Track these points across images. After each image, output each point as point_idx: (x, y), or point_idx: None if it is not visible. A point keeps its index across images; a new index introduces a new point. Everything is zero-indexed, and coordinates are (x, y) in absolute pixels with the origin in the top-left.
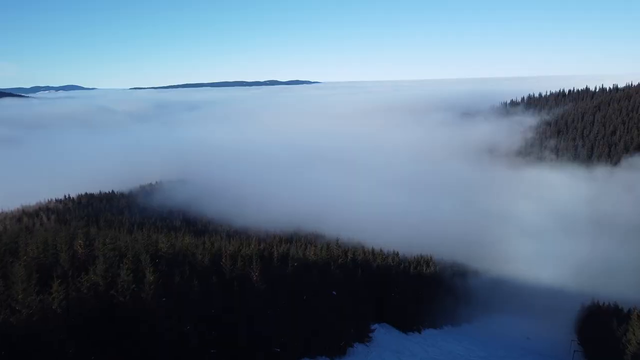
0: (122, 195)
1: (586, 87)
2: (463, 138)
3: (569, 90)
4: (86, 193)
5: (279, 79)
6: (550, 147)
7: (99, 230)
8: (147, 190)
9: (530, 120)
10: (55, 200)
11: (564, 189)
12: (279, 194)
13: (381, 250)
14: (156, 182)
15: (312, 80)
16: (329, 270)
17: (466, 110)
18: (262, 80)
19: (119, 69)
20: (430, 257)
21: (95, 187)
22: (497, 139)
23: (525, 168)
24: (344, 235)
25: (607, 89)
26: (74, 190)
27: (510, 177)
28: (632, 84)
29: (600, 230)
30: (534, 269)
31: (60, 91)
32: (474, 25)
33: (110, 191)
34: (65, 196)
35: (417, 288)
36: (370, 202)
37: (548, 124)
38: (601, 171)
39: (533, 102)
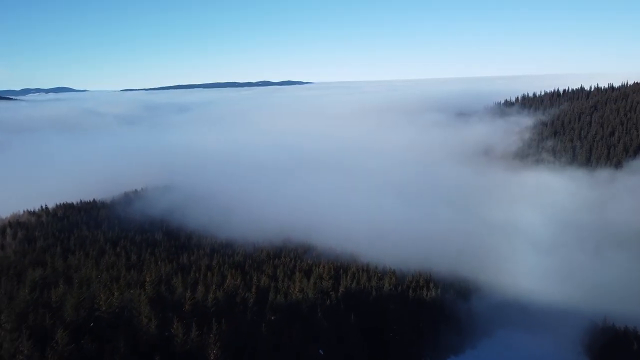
0: (102, 204)
1: (581, 87)
2: (459, 139)
3: (564, 90)
4: (64, 203)
5: (271, 80)
6: (547, 149)
7: (60, 256)
8: (131, 197)
9: (526, 121)
10: (29, 212)
11: (566, 194)
12: (269, 200)
13: (376, 269)
14: (141, 189)
15: (305, 81)
16: (315, 316)
17: (461, 111)
18: (254, 81)
19: (111, 70)
20: (430, 275)
21: (78, 194)
22: (494, 140)
23: (524, 171)
24: (336, 246)
25: (603, 88)
26: (56, 197)
27: (509, 181)
28: (627, 83)
29: (606, 240)
30: (538, 283)
31: (51, 93)
32: (467, 24)
33: (92, 200)
34: (41, 207)
35: (417, 319)
36: (364, 209)
37: (544, 124)
38: (603, 175)
39: (528, 102)
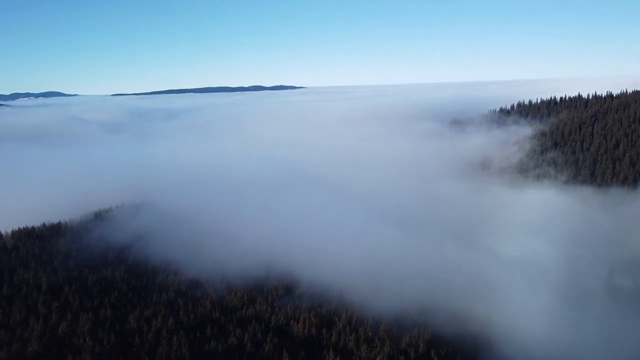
0: (67, 227)
1: (579, 94)
2: (455, 151)
3: (561, 98)
4: (21, 229)
5: (263, 85)
6: (548, 162)
7: None
8: (102, 217)
9: (523, 130)
10: None
11: (579, 219)
12: (250, 223)
13: (366, 324)
14: (115, 207)
15: (297, 86)
16: None
17: (455, 118)
18: (246, 85)
19: (102, 74)
20: (430, 335)
21: (47, 213)
22: (492, 152)
23: (527, 188)
24: (323, 282)
25: (601, 96)
26: (21, 217)
27: (513, 201)
28: (627, 91)
29: (635, 279)
30: (560, 337)
31: (40, 98)
32: (458, 28)
33: (57, 222)
34: None
35: None
36: (354, 236)
37: (543, 134)
38: (615, 195)
39: (524, 110)
